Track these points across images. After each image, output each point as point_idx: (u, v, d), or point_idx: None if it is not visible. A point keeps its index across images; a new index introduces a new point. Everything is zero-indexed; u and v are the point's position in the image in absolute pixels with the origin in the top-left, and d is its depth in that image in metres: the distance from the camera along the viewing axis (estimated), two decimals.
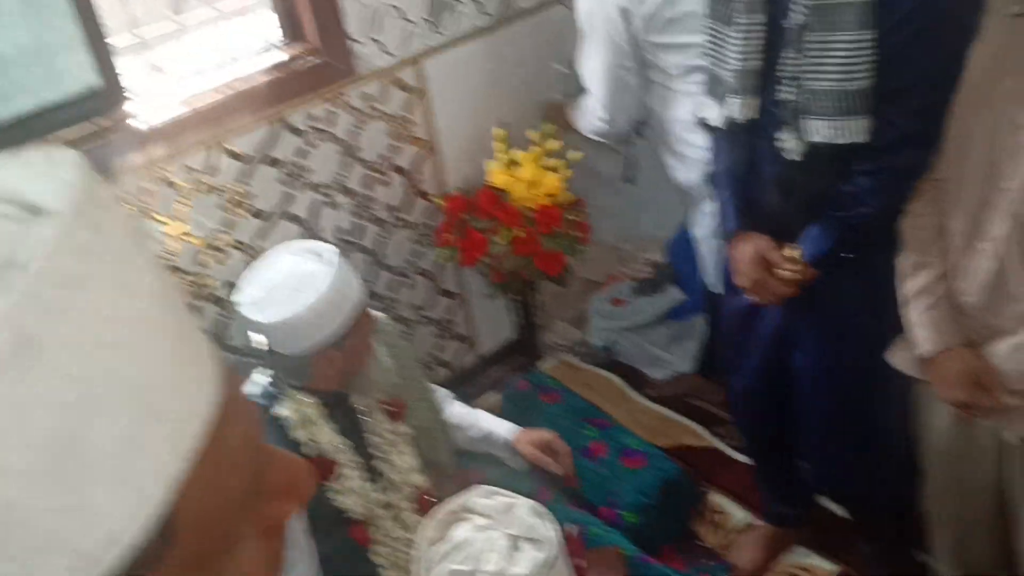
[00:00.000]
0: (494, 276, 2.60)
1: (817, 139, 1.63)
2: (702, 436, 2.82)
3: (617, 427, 2.66)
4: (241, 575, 0.43)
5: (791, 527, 2.40)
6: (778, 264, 1.81)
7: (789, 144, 1.68)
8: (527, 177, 2.56)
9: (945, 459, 1.81)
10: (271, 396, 1.74)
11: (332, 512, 1.76)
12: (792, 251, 1.80)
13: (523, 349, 3.16)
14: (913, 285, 1.65)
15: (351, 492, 1.76)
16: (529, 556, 1.23)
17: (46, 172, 0.37)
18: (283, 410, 1.73)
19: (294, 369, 1.71)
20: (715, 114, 1.82)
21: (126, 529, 0.35)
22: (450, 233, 2.62)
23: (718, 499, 2.61)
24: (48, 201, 0.35)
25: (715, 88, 1.83)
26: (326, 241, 2.57)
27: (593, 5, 2.28)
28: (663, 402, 2.98)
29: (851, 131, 1.60)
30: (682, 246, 3.13)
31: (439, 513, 1.34)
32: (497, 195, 2.58)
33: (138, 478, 0.35)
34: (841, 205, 1.70)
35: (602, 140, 2.58)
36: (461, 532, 1.28)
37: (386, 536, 1.80)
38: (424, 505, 1.80)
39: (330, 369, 1.72)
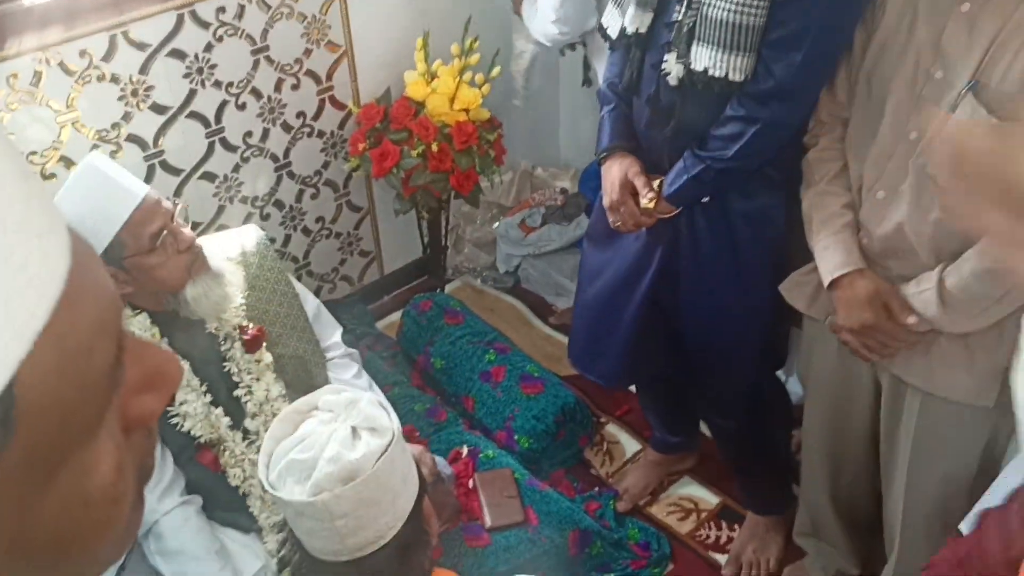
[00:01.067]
0: (405, 190, 2.54)
1: (700, 67, 1.61)
2: None
3: (517, 353, 2.66)
4: (96, 473, 0.39)
5: (676, 455, 2.47)
6: (640, 190, 1.81)
7: (671, 67, 1.66)
8: (445, 91, 2.49)
9: (825, 396, 1.87)
10: None
11: (180, 437, 1.72)
12: (656, 181, 1.80)
13: (429, 270, 3.13)
14: (822, 212, 1.66)
15: (192, 416, 1.71)
16: (367, 443, 1.27)
17: None
18: None
19: None
20: (614, 24, 1.79)
21: None
22: (363, 143, 2.55)
23: (612, 429, 2.65)
24: None
25: None
26: (232, 144, 2.48)
27: None
28: (564, 330, 3.00)
29: (732, 66, 1.59)
30: (595, 176, 3.13)
31: (285, 411, 1.35)
32: (414, 107, 2.51)
33: None
34: (707, 146, 1.70)
35: (548, 45, 2.53)
36: (305, 427, 1.30)
37: (240, 459, 1.76)
38: None
39: (120, 286, 1.63)
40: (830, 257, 1.63)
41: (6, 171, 0.35)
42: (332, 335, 2.00)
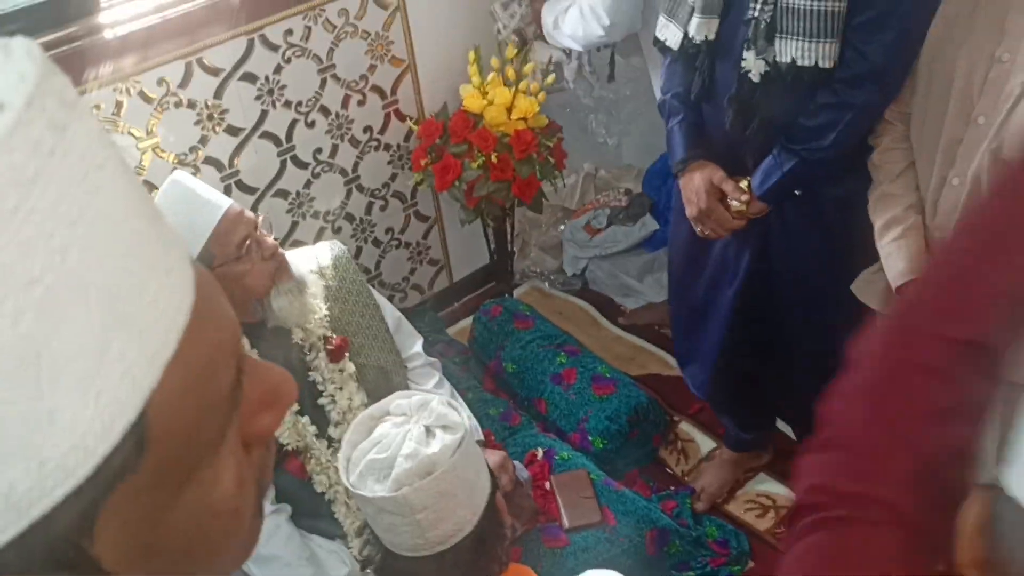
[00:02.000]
0: (469, 201, 2.58)
1: (786, 59, 1.62)
2: (671, 365, 2.86)
3: (588, 354, 2.68)
4: (220, 487, 0.42)
5: (752, 452, 2.46)
6: (730, 194, 1.81)
7: (751, 64, 1.66)
8: (502, 101, 2.53)
9: None
10: None
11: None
12: (743, 182, 1.80)
13: (497, 276, 3.16)
14: (885, 215, 1.66)
15: (280, 425, 1.76)
16: (441, 439, 1.32)
17: (1, 66, 0.34)
18: None
19: None
20: (673, 35, 1.80)
21: (97, 438, 0.34)
22: (425, 158, 2.60)
23: (685, 427, 2.66)
24: (3, 95, 0.33)
25: (674, 9, 1.80)
26: (302, 161, 2.55)
27: None
28: (634, 331, 3.02)
29: (821, 54, 1.59)
30: (658, 176, 3.14)
31: (359, 417, 1.41)
32: (472, 119, 2.55)
33: (108, 386, 0.35)
34: (798, 138, 1.70)
35: (579, 48, 2.55)
36: (380, 430, 1.36)
37: (325, 466, 1.82)
38: None
39: None
40: (893, 264, 1.63)
41: (140, 214, 0.38)
42: (413, 345, 2.05)
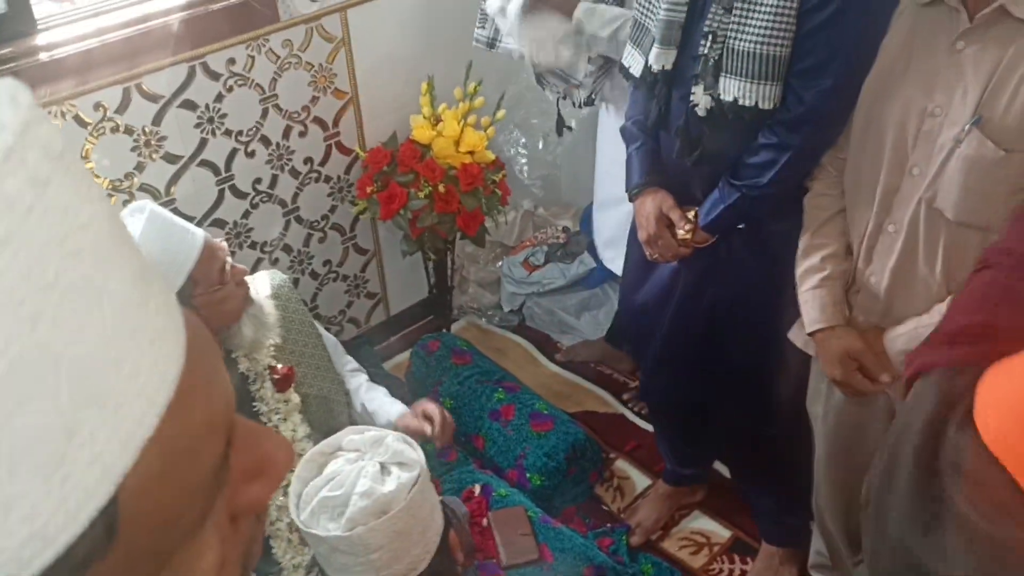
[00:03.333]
0: (412, 231, 2.58)
1: (729, 98, 1.67)
2: (608, 403, 2.88)
3: (526, 391, 2.69)
4: (199, 571, 0.38)
5: (687, 487, 2.48)
6: (676, 222, 1.86)
7: (699, 99, 1.72)
8: (451, 134, 2.54)
9: (837, 425, 1.89)
10: None
11: None
12: (690, 212, 1.85)
13: (435, 310, 3.15)
14: (804, 263, 1.72)
15: None
16: (397, 476, 1.31)
17: None
18: None
19: None
20: (636, 63, 1.85)
21: (59, 528, 0.31)
22: (371, 186, 2.59)
23: (622, 465, 2.67)
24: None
25: (639, 38, 1.85)
26: (241, 191, 2.52)
27: None
28: (570, 368, 3.03)
29: (762, 95, 1.65)
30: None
31: (309, 453, 1.39)
32: (419, 150, 2.56)
33: (75, 471, 0.31)
34: (741, 174, 1.76)
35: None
36: (333, 466, 1.34)
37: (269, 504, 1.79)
38: None
39: None
40: (807, 311, 1.70)
41: (123, 276, 0.34)
42: (348, 361, 2.08)
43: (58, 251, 0.31)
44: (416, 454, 1.35)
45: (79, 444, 0.31)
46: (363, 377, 2.10)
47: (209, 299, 1.67)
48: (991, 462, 0.78)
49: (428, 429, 1.92)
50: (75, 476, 0.31)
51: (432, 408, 1.97)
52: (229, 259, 1.73)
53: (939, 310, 1.52)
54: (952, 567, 0.79)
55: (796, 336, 1.81)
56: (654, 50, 1.78)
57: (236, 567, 0.42)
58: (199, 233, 1.69)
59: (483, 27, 2.47)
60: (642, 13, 1.83)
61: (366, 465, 1.31)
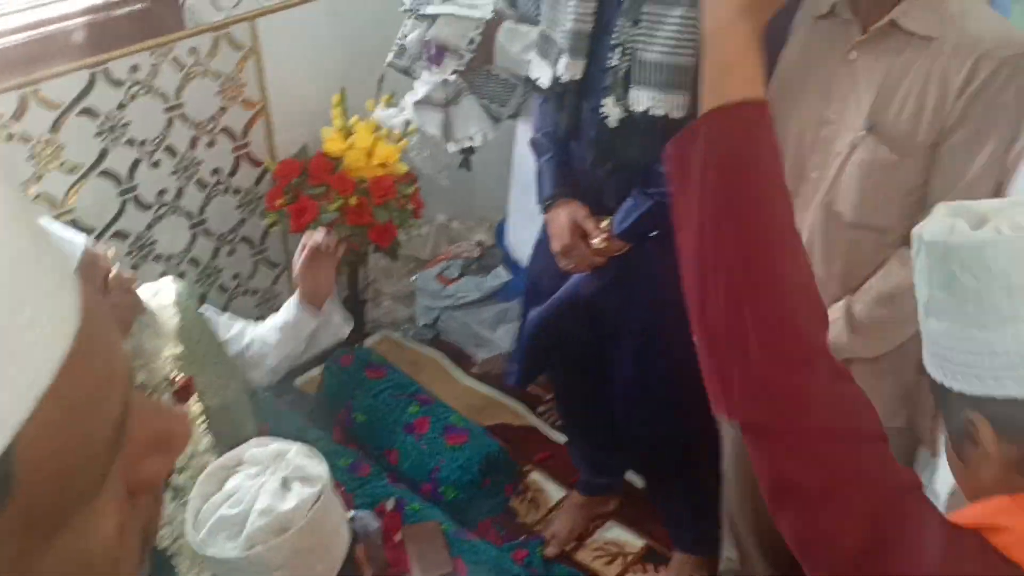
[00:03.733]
0: None
1: (639, 108, 1.70)
2: (522, 415, 2.88)
3: (440, 404, 2.67)
4: (98, 535, 0.38)
5: (600, 496, 2.50)
6: (591, 232, 1.88)
7: (609, 110, 1.74)
8: (363, 146, 2.52)
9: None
10: None
11: None
12: (603, 222, 1.87)
13: None
14: None
15: None
16: (298, 492, 1.27)
17: None
18: None
19: None
20: (544, 74, 1.86)
21: None
22: (280, 198, 2.55)
23: (536, 477, 2.67)
24: None
25: (546, 49, 1.87)
26: (145, 202, 2.45)
27: None
28: (485, 380, 3.02)
29: (671, 105, 1.68)
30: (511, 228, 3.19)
31: (210, 467, 1.35)
32: (331, 162, 2.53)
33: None
34: (653, 182, 1.78)
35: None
36: (233, 482, 1.30)
37: (169, 518, 1.73)
38: None
39: None
40: None
41: (16, 229, 0.34)
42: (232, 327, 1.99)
43: None
44: (319, 469, 1.31)
45: None
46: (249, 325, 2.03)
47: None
48: None
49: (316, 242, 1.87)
50: None
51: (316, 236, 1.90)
52: (115, 268, 1.67)
53: (836, 308, 1.57)
54: None
55: None
56: (562, 60, 1.79)
57: (135, 538, 0.41)
58: (79, 242, 1.62)
59: (399, 58, 2.45)
60: (547, 25, 1.85)
61: (267, 480, 1.27)
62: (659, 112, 1.69)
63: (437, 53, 2.22)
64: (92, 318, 0.37)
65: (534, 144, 2.01)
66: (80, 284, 0.37)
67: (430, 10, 2.21)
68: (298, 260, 1.88)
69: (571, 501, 2.52)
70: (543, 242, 2.04)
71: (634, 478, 2.56)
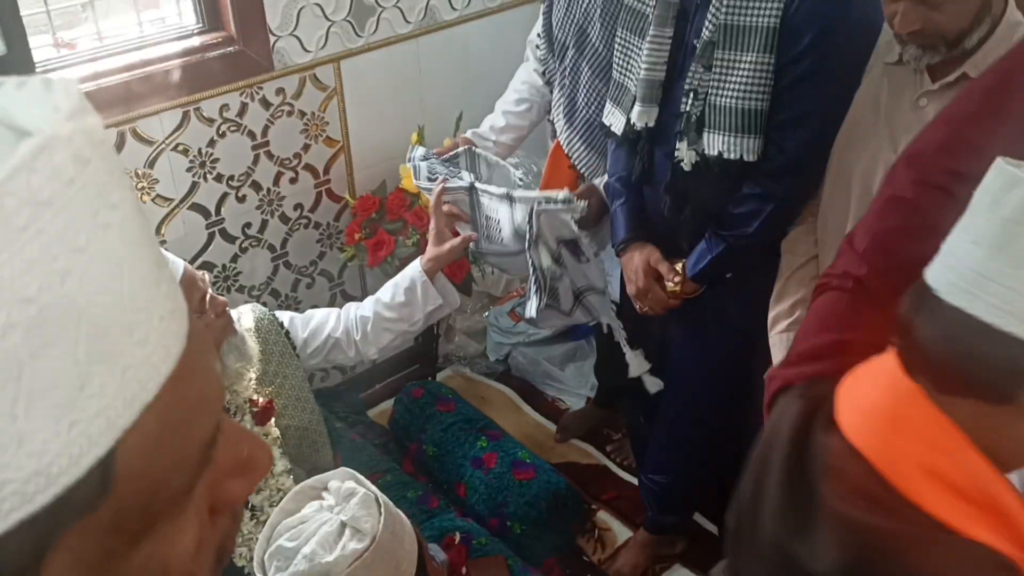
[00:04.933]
0: None
1: (713, 152, 1.72)
2: (591, 454, 2.88)
3: (509, 439, 2.68)
4: (178, 545, 0.41)
5: (669, 535, 2.48)
6: (665, 275, 1.90)
7: (683, 154, 1.76)
8: None
9: None
10: None
11: None
12: (677, 264, 1.89)
13: (421, 358, 3.16)
14: (776, 308, 1.76)
15: None
16: (344, 545, 1.29)
17: (39, 98, 0.36)
18: None
19: None
20: (617, 121, 1.90)
21: (62, 469, 0.34)
22: (359, 233, 2.62)
23: (604, 516, 2.66)
24: (34, 124, 0.35)
25: (619, 97, 1.90)
26: (231, 235, 2.54)
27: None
28: (554, 417, 3.03)
29: (744, 148, 1.70)
30: None
31: (300, 486, 1.39)
32: (408, 198, 2.59)
33: (83, 418, 0.34)
34: (727, 225, 1.81)
35: None
36: (308, 509, 1.34)
37: (247, 537, 1.77)
38: None
39: None
40: (776, 355, 1.73)
41: (143, 256, 0.38)
42: (312, 322, 2.04)
43: (91, 221, 0.35)
44: (373, 523, 1.32)
45: (89, 395, 0.34)
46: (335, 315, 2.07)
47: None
48: (854, 455, 0.85)
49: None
50: (82, 423, 0.34)
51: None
52: (210, 290, 1.75)
53: None
54: (825, 561, 0.84)
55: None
56: (636, 108, 1.82)
57: (211, 555, 0.44)
58: (179, 261, 1.71)
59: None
60: (620, 73, 1.89)
61: (328, 520, 1.30)
62: (733, 156, 1.71)
63: None
64: (195, 343, 0.41)
65: (607, 189, 2.04)
66: (187, 311, 0.42)
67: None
68: (437, 209, 1.95)
69: (637, 539, 2.50)
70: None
71: (704, 521, 2.54)
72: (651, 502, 2.46)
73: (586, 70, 2.12)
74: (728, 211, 1.80)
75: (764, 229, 1.77)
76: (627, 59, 1.87)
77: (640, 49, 1.81)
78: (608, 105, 1.95)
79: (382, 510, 1.36)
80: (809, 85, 1.64)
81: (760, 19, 1.63)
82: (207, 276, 1.77)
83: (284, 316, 2.01)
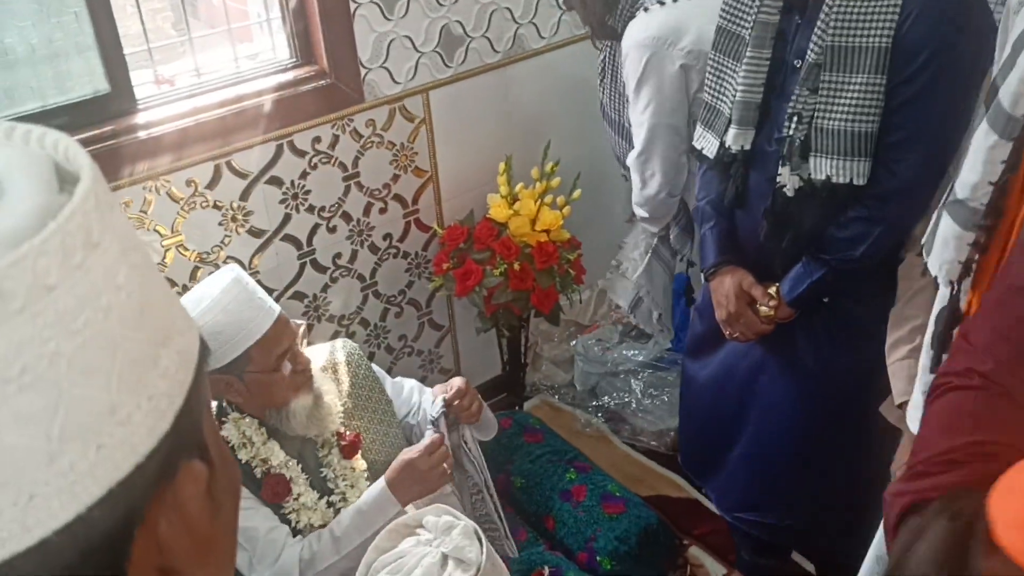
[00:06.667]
0: (487, 308, 2.60)
1: (821, 176, 1.67)
2: (682, 487, 2.81)
3: (598, 471, 2.64)
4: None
5: None
6: (759, 299, 1.84)
7: (786, 179, 1.71)
8: (527, 213, 2.57)
9: None
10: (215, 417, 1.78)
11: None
12: (771, 288, 1.83)
13: (508, 387, 3.14)
14: (895, 334, 1.68)
15: (306, 509, 1.76)
16: (452, 573, 1.28)
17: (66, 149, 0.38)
18: (225, 431, 1.75)
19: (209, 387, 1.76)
20: (709, 144, 1.85)
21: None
22: (447, 262, 2.63)
23: (695, 552, 2.59)
24: (77, 166, 0.36)
25: (712, 120, 1.86)
26: (322, 265, 2.58)
27: (653, 58, 2.16)
28: (643, 450, 2.97)
29: (854, 172, 1.64)
30: (673, 295, 3.15)
31: (393, 523, 1.39)
32: (496, 228, 2.59)
33: (44, 493, 0.35)
34: (829, 248, 1.75)
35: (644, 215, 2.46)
36: (405, 545, 1.33)
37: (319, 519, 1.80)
38: None
39: (230, 394, 1.73)
40: (895, 383, 1.66)
41: (142, 337, 0.39)
42: (407, 391, 2.07)
43: (92, 304, 0.36)
44: (476, 552, 1.31)
45: (58, 472, 0.36)
46: (417, 393, 2.10)
47: (258, 379, 1.71)
48: None
49: (439, 393, 1.90)
50: (40, 497, 0.35)
51: (453, 381, 1.94)
52: (301, 345, 1.76)
53: None
54: None
55: (888, 411, 1.76)
56: (732, 131, 1.78)
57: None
58: (274, 311, 1.72)
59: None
60: (713, 96, 1.85)
61: (429, 553, 1.29)
62: (842, 179, 1.66)
63: None
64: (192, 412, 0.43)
65: (697, 213, 2.00)
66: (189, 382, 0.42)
67: None
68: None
69: None
70: (701, 309, 2.02)
71: (801, 560, 2.44)
72: (743, 543, 2.38)
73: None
74: (831, 235, 1.74)
75: (870, 253, 1.71)
76: (720, 82, 1.83)
77: (735, 71, 1.77)
78: (699, 128, 1.92)
79: (483, 541, 1.35)
80: (923, 104, 1.57)
81: (871, 40, 1.57)
82: (302, 327, 1.79)
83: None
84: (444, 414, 1.82)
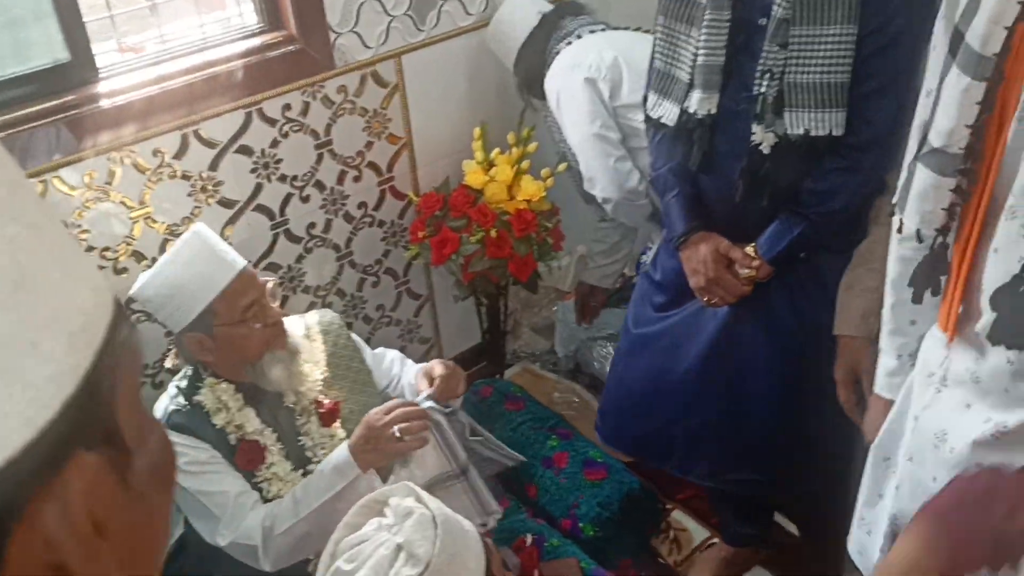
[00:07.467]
0: (464, 276, 2.56)
1: (799, 131, 1.65)
2: None
3: (579, 438, 2.62)
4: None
5: (750, 547, 2.39)
6: (739, 261, 1.81)
7: (761, 137, 1.69)
8: (504, 179, 2.53)
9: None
10: (191, 383, 1.77)
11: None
12: (750, 248, 1.81)
13: (489, 355, 3.12)
14: (853, 270, 1.73)
15: (278, 479, 1.75)
16: (397, 572, 1.24)
17: None
18: (200, 396, 1.74)
19: (180, 349, 1.75)
20: (668, 112, 1.81)
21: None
22: (423, 231, 2.59)
23: (678, 516, 2.59)
24: None
25: (667, 87, 1.82)
26: (295, 235, 2.53)
27: (562, 83, 2.34)
28: None
29: (832, 123, 1.63)
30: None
31: (365, 499, 1.37)
32: (472, 195, 2.55)
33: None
34: (807, 202, 1.73)
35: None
36: (369, 528, 1.31)
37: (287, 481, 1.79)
38: None
39: (203, 353, 1.71)
40: (844, 313, 1.73)
41: (12, 319, 0.36)
42: (387, 361, 2.06)
43: None
44: (427, 547, 1.26)
45: None
46: (398, 364, 2.09)
47: (227, 332, 1.70)
48: None
49: (424, 386, 1.84)
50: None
51: (435, 366, 1.88)
52: (270, 300, 1.73)
53: None
54: None
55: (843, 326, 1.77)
56: (696, 95, 1.75)
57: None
58: (237, 264, 1.70)
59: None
60: (666, 63, 1.81)
61: (385, 542, 1.26)
62: (821, 132, 1.64)
63: None
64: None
65: (657, 181, 1.96)
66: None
67: None
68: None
69: (717, 552, 2.41)
70: (659, 274, 2.03)
71: (785, 524, 2.44)
72: (723, 511, 2.37)
73: None
74: (809, 188, 1.73)
75: (850, 203, 1.71)
76: (673, 47, 1.79)
77: (689, 35, 1.74)
78: (652, 97, 1.87)
79: (439, 532, 1.30)
80: (894, 52, 1.57)
81: None
82: (270, 284, 1.76)
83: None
84: (433, 408, 1.78)
